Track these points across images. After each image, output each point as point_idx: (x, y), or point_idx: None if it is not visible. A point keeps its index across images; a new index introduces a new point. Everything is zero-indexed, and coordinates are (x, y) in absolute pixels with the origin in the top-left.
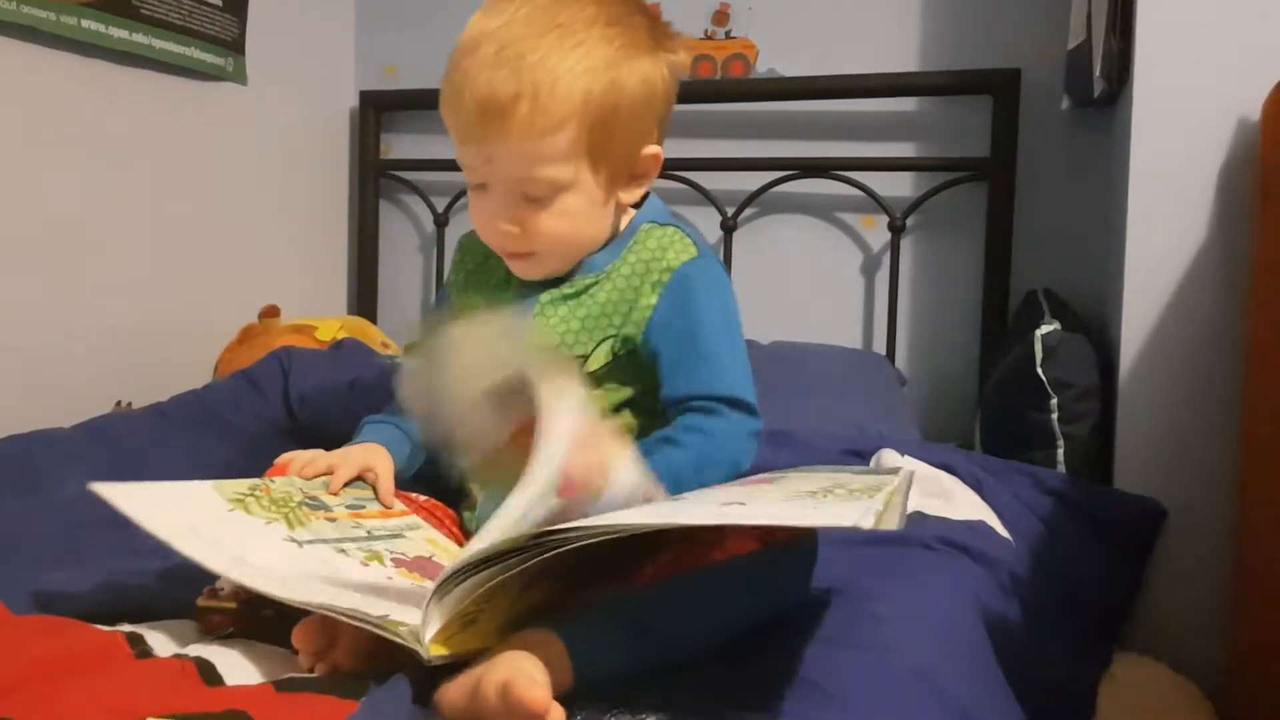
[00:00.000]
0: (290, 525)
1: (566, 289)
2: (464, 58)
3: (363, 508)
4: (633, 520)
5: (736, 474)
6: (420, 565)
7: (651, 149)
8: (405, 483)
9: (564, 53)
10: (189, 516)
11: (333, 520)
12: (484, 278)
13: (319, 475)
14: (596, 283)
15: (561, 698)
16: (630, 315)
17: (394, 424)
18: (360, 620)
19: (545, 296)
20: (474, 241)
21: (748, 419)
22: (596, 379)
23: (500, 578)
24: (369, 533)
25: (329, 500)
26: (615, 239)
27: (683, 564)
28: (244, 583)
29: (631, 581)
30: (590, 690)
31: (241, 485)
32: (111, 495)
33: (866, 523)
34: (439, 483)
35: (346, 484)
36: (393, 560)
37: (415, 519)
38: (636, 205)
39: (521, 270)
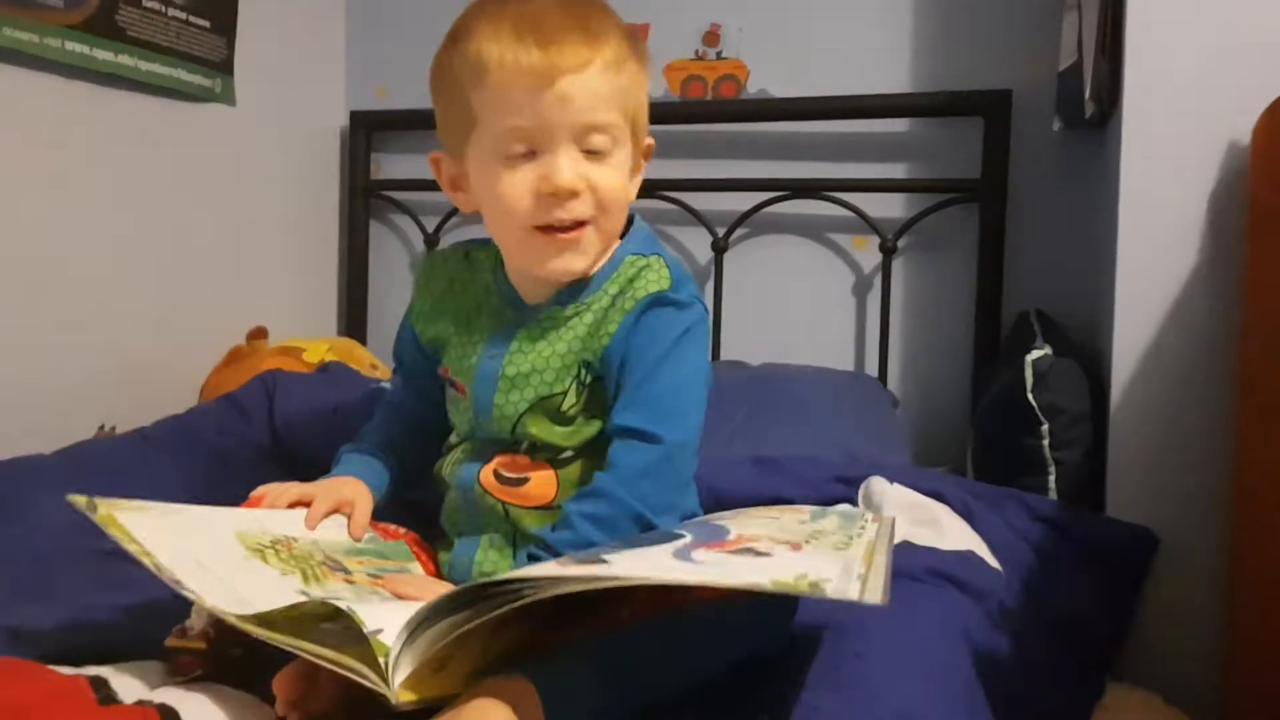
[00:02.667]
0: (306, 580)
1: (545, 320)
2: (516, 25)
3: (381, 577)
4: (616, 573)
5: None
6: None
7: (650, 139)
8: (387, 511)
9: (606, 16)
10: (200, 552)
11: (351, 584)
12: (454, 303)
13: (292, 505)
14: (576, 314)
15: None
16: (593, 341)
17: (370, 454)
18: (328, 662)
19: (522, 332)
20: (439, 263)
21: (644, 450)
22: (570, 417)
23: (472, 624)
24: (382, 599)
25: (350, 565)
26: (600, 270)
27: (659, 606)
28: (222, 610)
29: (607, 624)
30: None
31: (264, 538)
32: (124, 517)
33: (849, 592)
34: (419, 511)
35: (327, 514)
36: None
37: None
38: (621, 234)
39: (563, 257)
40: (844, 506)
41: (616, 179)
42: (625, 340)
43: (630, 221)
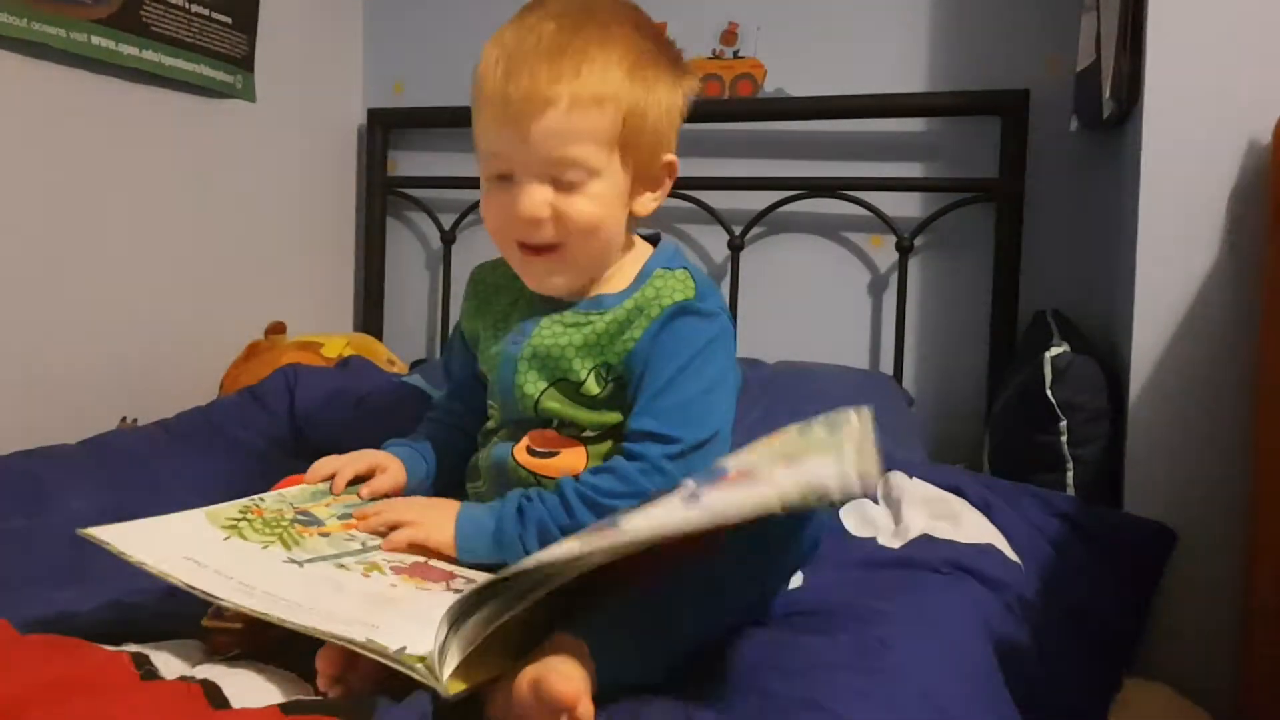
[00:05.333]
0: (287, 546)
1: (569, 318)
2: (502, 51)
3: (351, 515)
4: (629, 536)
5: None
6: (420, 570)
7: (669, 156)
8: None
9: (604, 45)
10: (186, 549)
11: (326, 535)
12: (494, 307)
13: (323, 479)
14: (600, 316)
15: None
16: (615, 344)
17: (411, 445)
18: (376, 654)
19: (545, 320)
20: (488, 268)
21: (654, 452)
22: (593, 402)
23: (510, 614)
24: (363, 544)
25: (320, 514)
26: (628, 286)
27: (687, 548)
28: (256, 610)
29: (637, 571)
30: (611, 694)
31: (232, 509)
32: (105, 537)
33: (852, 486)
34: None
35: (350, 483)
36: (391, 569)
37: None
38: (651, 241)
39: (540, 274)
40: (825, 416)
41: (587, 208)
42: (649, 347)
43: (657, 240)
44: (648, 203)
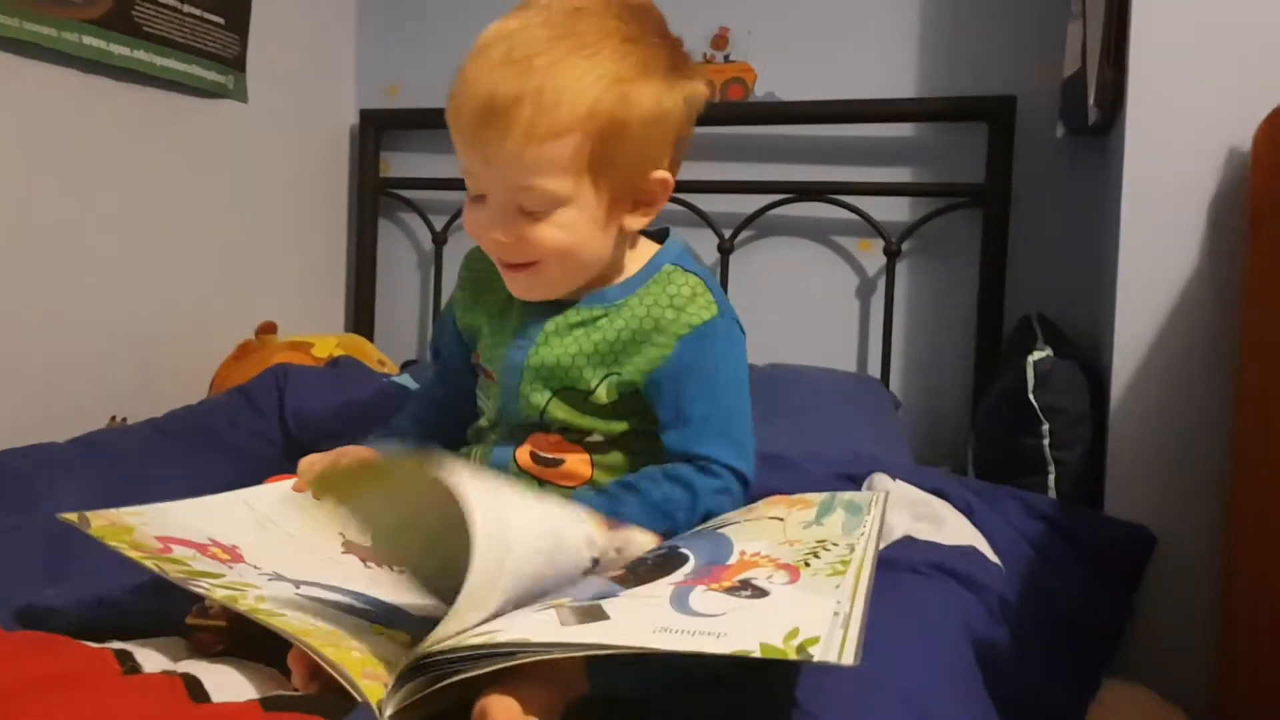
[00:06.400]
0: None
1: (573, 316)
2: (473, 59)
3: None
4: (611, 639)
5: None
6: None
7: (660, 174)
8: None
9: (575, 60)
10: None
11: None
12: (488, 298)
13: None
14: (605, 315)
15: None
16: (636, 358)
17: (397, 436)
18: (337, 673)
19: (550, 325)
20: (479, 258)
21: (728, 477)
22: (602, 410)
23: (472, 674)
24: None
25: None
26: (634, 275)
27: None
28: (240, 605)
29: None
30: (603, 699)
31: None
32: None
33: (831, 655)
34: None
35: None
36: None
37: None
38: (656, 238)
39: (521, 288)
40: (851, 496)
41: (555, 236)
42: (678, 364)
43: (665, 234)
44: (640, 219)
